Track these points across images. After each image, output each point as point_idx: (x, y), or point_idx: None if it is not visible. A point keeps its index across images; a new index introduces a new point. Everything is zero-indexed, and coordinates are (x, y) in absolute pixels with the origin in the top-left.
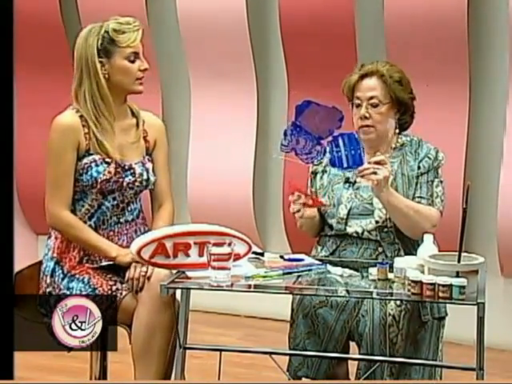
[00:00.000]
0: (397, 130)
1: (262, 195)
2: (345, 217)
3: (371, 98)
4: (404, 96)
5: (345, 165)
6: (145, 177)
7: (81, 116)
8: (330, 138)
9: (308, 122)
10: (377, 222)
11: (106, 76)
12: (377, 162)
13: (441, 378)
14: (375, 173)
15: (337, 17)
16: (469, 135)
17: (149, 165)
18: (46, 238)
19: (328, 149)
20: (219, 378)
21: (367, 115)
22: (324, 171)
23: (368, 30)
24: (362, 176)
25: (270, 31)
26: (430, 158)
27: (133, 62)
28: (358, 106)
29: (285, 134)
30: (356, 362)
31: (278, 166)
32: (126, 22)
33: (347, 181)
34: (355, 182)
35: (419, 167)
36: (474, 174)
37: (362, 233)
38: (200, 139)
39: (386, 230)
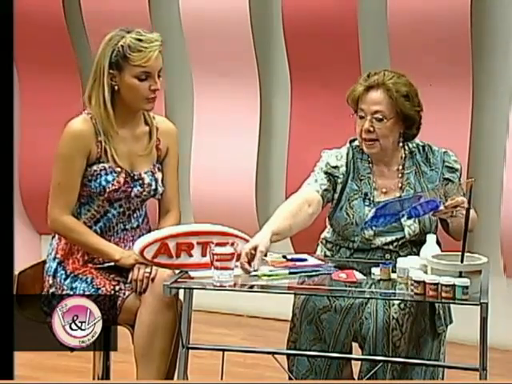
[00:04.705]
0: (401, 143)
1: (265, 195)
2: (371, 238)
3: (376, 112)
4: (410, 111)
5: (421, 213)
6: (153, 187)
7: (94, 122)
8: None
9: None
10: (404, 237)
11: (116, 88)
12: (454, 206)
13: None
14: (453, 215)
15: (340, 16)
16: (472, 135)
17: (158, 174)
18: (49, 237)
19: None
20: (222, 378)
21: (371, 129)
22: (342, 182)
23: (371, 30)
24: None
25: (272, 31)
26: (452, 170)
27: (143, 80)
28: (362, 117)
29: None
30: (359, 364)
31: (281, 166)
32: (146, 40)
33: (366, 197)
34: (374, 197)
35: (444, 179)
36: (477, 173)
37: (384, 245)
38: (203, 139)
39: (406, 243)
